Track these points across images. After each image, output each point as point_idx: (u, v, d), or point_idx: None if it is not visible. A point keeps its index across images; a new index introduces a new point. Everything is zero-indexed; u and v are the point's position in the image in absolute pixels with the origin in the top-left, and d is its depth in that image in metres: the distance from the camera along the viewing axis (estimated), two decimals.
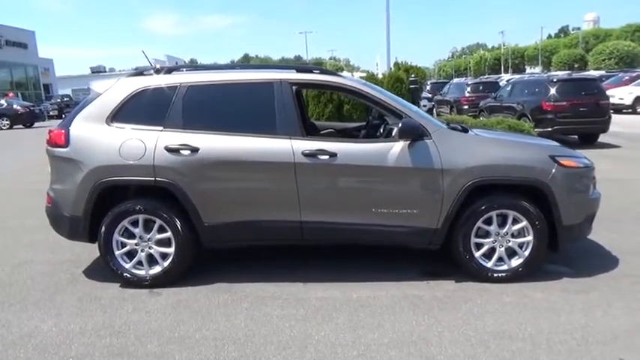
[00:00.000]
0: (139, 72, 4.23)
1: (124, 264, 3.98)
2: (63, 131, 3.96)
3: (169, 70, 4.18)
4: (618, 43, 50.07)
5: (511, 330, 3.22)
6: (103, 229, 3.91)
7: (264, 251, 4.68)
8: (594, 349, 2.97)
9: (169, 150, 3.81)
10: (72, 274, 4.38)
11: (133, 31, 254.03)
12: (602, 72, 32.31)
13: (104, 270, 4.30)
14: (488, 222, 3.92)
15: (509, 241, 3.94)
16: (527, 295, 3.74)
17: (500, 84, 19.53)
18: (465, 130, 4.15)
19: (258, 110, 3.98)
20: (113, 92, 3.99)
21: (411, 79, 11.08)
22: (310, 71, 4.14)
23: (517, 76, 24.52)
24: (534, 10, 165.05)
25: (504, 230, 3.92)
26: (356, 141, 4.26)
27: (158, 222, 3.91)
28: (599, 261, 4.35)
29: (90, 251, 4.81)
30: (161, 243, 3.96)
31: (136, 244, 3.96)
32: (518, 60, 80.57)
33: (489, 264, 3.96)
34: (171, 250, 3.95)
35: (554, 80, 12.28)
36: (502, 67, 79.19)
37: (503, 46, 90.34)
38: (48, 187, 4.18)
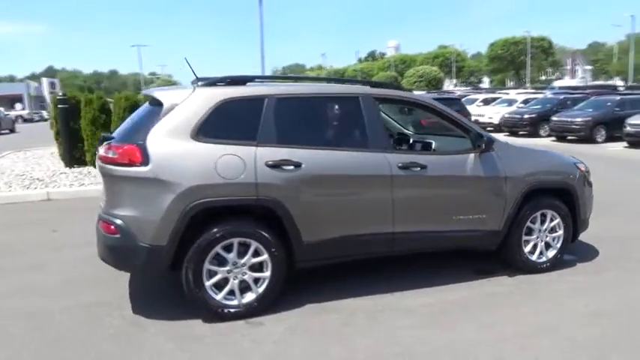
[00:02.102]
0: (212, 82, 3.81)
1: (214, 295, 3.54)
2: (136, 147, 3.37)
3: (242, 81, 3.86)
4: (426, 67, 58.85)
5: (598, 309, 3.80)
6: (194, 257, 3.44)
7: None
8: None
9: (271, 166, 3.55)
10: (122, 316, 3.71)
11: None
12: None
13: (158, 307, 3.82)
14: (534, 221, 4.53)
15: (547, 236, 4.61)
16: (572, 280, 4.42)
17: None
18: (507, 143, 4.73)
19: (349, 124, 3.97)
20: (193, 104, 3.55)
21: None
22: (385, 86, 4.26)
23: None
24: (348, 35, 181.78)
25: (544, 227, 4.57)
26: (437, 153, 4.48)
27: (254, 245, 3.58)
28: (586, 248, 5.29)
29: (109, 289, 4.14)
30: (254, 268, 3.64)
31: (228, 272, 3.56)
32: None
33: (534, 257, 4.56)
34: (266, 274, 3.65)
35: None
36: None
37: (324, 67, 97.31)
38: (102, 212, 3.50)
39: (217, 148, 3.49)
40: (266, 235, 3.59)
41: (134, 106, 9.67)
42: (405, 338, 3.36)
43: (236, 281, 3.59)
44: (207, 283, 3.51)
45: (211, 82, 3.81)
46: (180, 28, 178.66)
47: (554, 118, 18.26)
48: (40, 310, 3.83)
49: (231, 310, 3.58)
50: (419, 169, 3.97)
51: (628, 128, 15.71)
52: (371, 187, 3.87)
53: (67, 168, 9.91)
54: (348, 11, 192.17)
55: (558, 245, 4.63)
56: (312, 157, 3.68)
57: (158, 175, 3.35)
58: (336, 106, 3.99)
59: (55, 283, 4.42)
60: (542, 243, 4.59)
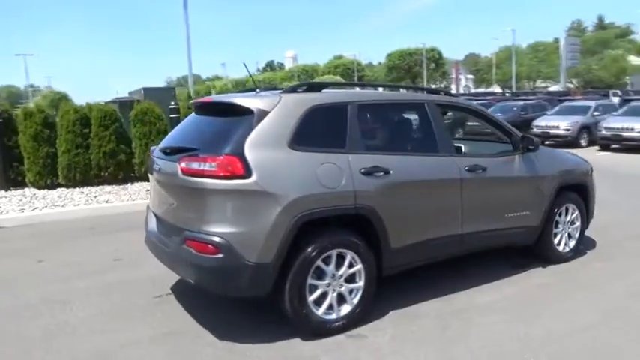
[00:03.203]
0: (292, 88, 3.65)
1: (315, 311, 3.39)
2: (237, 158, 3.13)
3: (319, 88, 3.76)
4: (332, 77, 60.43)
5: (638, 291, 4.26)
6: (300, 272, 3.27)
7: None
8: None
9: (364, 173, 3.49)
10: (208, 344, 3.40)
11: None
12: None
13: (239, 330, 3.60)
14: (560, 215, 4.93)
15: (569, 228, 5.04)
16: (594, 267, 4.87)
17: None
18: None
19: (422, 129, 4.03)
20: (285, 111, 3.38)
21: None
22: (438, 93, 4.39)
23: None
24: (245, 45, 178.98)
25: (567, 220, 5.00)
26: (491, 155, 4.63)
27: (349, 255, 3.49)
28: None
29: (163, 317, 3.80)
30: (348, 278, 3.54)
31: (327, 285, 3.43)
32: (241, 89, 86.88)
33: (560, 248, 4.96)
34: (359, 284, 3.57)
35: None
36: None
37: (222, 77, 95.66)
38: (193, 232, 3.19)
39: (316, 156, 3.36)
40: (361, 244, 3.52)
41: (84, 119, 8.86)
42: (507, 334, 3.48)
43: (334, 294, 3.47)
44: (310, 299, 3.36)
45: (292, 89, 3.66)
46: (60, 40, 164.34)
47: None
48: (109, 349, 3.36)
49: (332, 325, 3.45)
50: (481, 171, 4.15)
51: (535, 130, 17.58)
52: (447, 190, 3.97)
53: (3, 191, 8.71)
54: (244, 21, 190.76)
55: (577, 235, 5.09)
56: (399, 163, 3.70)
57: (263, 187, 3.14)
58: (404, 112, 4.04)
59: (93, 317, 3.90)
60: (566, 234, 5.01)
